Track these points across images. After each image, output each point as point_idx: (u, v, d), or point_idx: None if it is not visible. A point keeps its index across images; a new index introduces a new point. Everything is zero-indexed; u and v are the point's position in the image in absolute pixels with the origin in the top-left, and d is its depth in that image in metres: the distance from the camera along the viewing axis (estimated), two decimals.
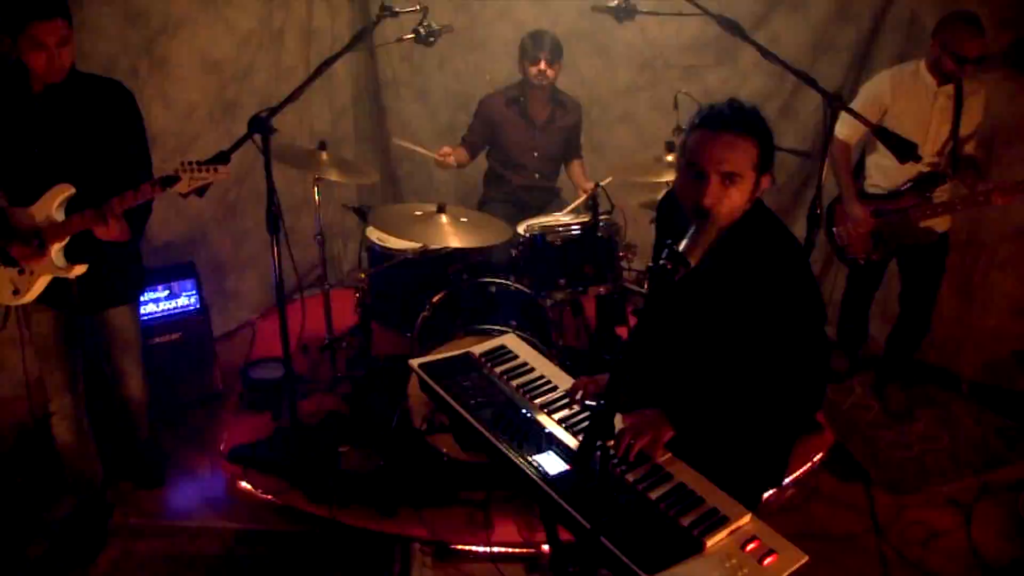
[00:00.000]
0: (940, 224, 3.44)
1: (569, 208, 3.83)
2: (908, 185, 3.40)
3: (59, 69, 2.43)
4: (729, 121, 1.79)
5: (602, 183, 3.52)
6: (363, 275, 3.58)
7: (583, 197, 3.76)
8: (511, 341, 2.39)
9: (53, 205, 2.50)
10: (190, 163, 2.47)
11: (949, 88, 3.27)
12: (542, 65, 3.76)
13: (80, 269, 2.59)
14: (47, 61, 2.38)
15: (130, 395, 2.98)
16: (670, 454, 1.86)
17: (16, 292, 2.57)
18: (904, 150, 2.90)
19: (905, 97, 3.33)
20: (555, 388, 2.14)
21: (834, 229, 3.62)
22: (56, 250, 2.54)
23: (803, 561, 1.56)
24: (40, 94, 2.48)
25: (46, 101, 2.49)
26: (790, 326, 1.84)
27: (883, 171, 3.49)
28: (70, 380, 2.76)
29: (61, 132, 2.50)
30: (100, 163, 2.56)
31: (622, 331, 3.86)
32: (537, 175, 4.07)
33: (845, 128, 3.37)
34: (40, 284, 2.57)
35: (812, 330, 1.89)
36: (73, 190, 2.51)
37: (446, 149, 3.87)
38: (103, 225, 2.47)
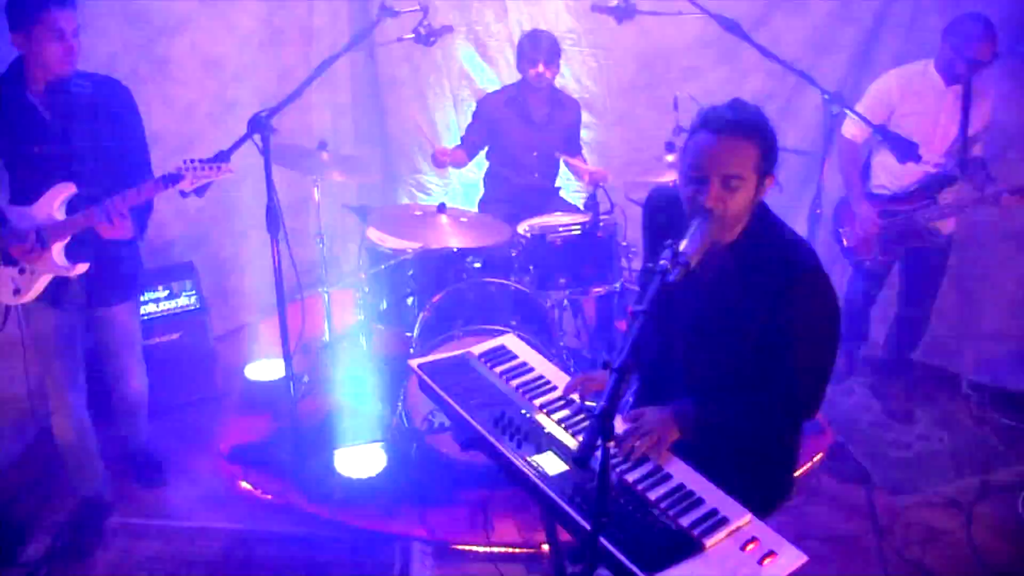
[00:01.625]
0: (946, 226, 3.41)
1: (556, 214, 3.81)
2: (915, 187, 3.37)
3: (73, 60, 2.43)
4: (731, 124, 1.78)
5: (603, 183, 3.52)
6: (363, 275, 3.58)
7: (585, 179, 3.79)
8: (511, 341, 2.39)
9: (54, 204, 2.50)
10: (193, 161, 2.48)
11: (958, 88, 3.22)
12: (540, 67, 3.76)
13: (81, 268, 2.59)
14: (64, 51, 2.38)
15: (130, 394, 2.98)
16: (670, 454, 1.85)
17: (17, 291, 2.57)
18: (905, 150, 2.90)
19: (913, 97, 3.28)
20: (555, 388, 2.13)
21: (840, 229, 3.60)
22: (57, 249, 2.54)
23: (802, 562, 1.56)
24: (40, 93, 2.48)
25: (46, 100, 2.48)
26: (808, 330, 1.83)
27: (889, 172, 3.44)
28: (71, 378, 2.76)
29: (61, 131, 2.50)
30: (100, 161, 2.56)
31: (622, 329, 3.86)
32: (537, 175, 4.07)
33: (852, 127, 3.33)
34: (41, 283, 2.58)
35: (828, 333, 1.87)
36: (74, 189, 2.51)
37: (443, 149, 3.87)
38: (108, 224, 2.47)
